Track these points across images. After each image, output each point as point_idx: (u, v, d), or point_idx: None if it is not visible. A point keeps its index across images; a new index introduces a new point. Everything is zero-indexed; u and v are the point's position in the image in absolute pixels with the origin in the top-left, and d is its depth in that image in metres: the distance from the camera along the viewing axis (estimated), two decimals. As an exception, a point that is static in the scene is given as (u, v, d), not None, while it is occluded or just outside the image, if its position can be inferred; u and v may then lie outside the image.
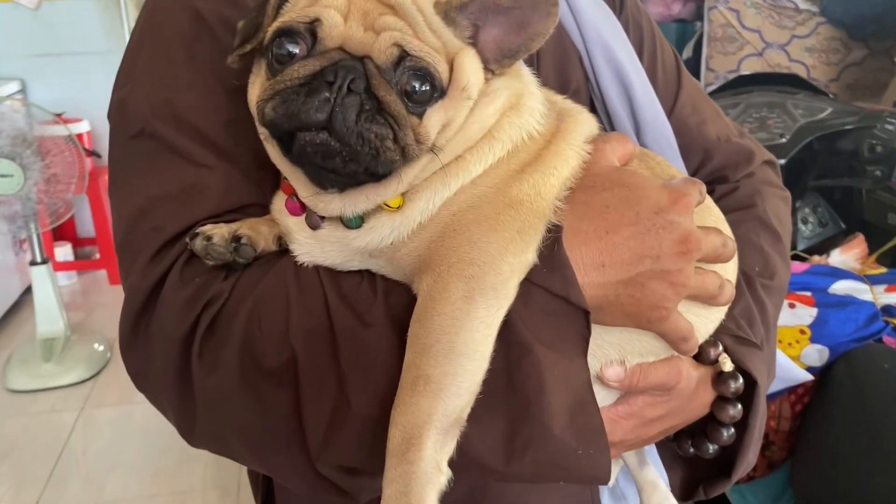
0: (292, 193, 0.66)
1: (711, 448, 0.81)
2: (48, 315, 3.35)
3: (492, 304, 0.59)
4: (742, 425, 0.80)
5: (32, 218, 3.19)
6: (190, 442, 0.69)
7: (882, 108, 1.79)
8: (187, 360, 0.65)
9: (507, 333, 0.61)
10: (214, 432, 0.67)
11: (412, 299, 0.62)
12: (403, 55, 0.59)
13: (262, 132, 0.63)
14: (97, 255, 4.34)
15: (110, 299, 4.25)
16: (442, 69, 0.60)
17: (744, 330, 0.80)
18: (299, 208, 0.66)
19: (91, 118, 3.98)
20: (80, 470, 2.89)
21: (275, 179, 0.69)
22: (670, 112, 0.94)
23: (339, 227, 0.64)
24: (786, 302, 1.58)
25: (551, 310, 0.62)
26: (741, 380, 0.77)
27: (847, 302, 1.57)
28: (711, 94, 2.07)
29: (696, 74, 2.87)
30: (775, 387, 1.11)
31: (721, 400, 0.78)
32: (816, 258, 1.84)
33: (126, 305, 0.68)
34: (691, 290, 0.69)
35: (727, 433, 0.79)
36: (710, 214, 0.78)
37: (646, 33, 0.98)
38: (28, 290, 3.50)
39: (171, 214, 0.68)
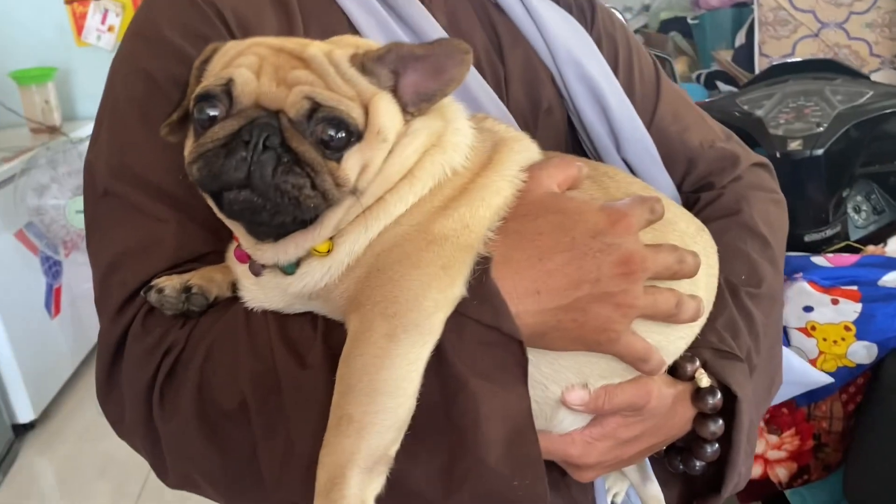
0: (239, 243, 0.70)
1: (698, 464, 0.80)
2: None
3: (416, 341, 0.60)
4: (727, 440, 0.78)
5: (116, 249, 3.39)
6: (166, 483, 0.73)
7: (928, 87, 1.69)
8: (151, 407, 0.69)
9: (443, 367, 0.62)
10: (183, 474, 0.71)
11: None
12: (315, 106, 0.61)
13: (202, 191, 0.67)
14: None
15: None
16: (356, 115, 0.62)
17: (726, 343, 0.79)
18: (246, 256, 0.69)
19: (167, 150, 4.18)
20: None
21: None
22: (650, 123, 0.93)
23: (277, 273, 0.67)
24: (828, 298, 1.52)
25: (485, 341, 0.63)
26: (719, 395, 0.76)
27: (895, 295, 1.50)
28: (745, 85, 2.00)
29: (750, 61, 2.77)
30: (791, 392, 1.08)
31: (701, 416, 0.77)
32: (871, 248, 1.75)
33: (98, 359, 0.73)
34: (641, 310, 0.68)
35: (711, 449, 0.78)
36: (674, 230, 0.77)
37: (620, 46, 0.97)
38: (117, 317, 3.71)
39: (133, 268, 0.72)
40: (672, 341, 0.75)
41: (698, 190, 0.94)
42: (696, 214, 0.89)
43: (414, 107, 0.66)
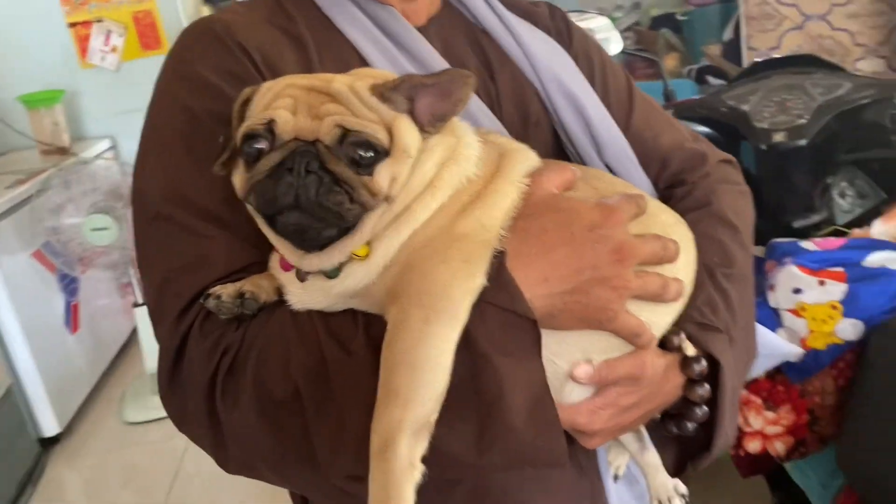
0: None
1: (690, 426, 0.90)
2: (155, 351, 3.64)
3: (446, 324, 0.70)
4: (713, 404, 0.88)
5: (131, 263, 3.50)
6: (226, 470, 0.82)
7: (901, 77, 1.78)
8: (213, 401, 0.78)
9: (470, 347, 0.71)
10: (243, 460, 0.80)
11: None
12: (345, 132, 0.71)
13: (256, 217, 0.77)
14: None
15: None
16: (381, 136, 0.72)
17: (706, 317, 0.89)
18: (289, 265, 0.78)
19: (175, 165, 4.27)
20: (194, 491, 3.15)
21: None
22: (625, 129, 1.04)
23: (321, 277, 0.76)
24: (815, 280, 1.61)
25: (504, 322, 0.72)
26: (704, 362, 0.86)
27: (879, 274, 1.59)
28: (730, 82, 2.10)
29: (738, 55, 2.87)
30: (766, 364, 1.17)
31: (690, 382, 0.87)
32: (857, 231, 1.84)
33: (160, 362, 0.83)
34: (634, 291, 0.79)
35: (700, 411, 0.88)
36: (656, 222, 0.87)
37: (595, 63, 1.08)
38: (135, 330, 3.81)
39: (188, 282, 0.81)
40: (660, 317, 0.85)
41: (671, 186, 1.04)
42: (672, 208, 0.99)
43: (430, 126, 0.76)
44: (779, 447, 1.71)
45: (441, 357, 0.69)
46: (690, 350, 0.86)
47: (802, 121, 1.71)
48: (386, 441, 0.67)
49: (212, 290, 0.79)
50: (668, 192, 1.04)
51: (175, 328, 0.81)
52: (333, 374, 0.74)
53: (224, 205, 0.82)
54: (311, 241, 0.74)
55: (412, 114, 0.75)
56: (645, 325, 0.81)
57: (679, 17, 3.64)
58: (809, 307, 1.60)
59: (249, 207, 0.76)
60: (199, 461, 3.31)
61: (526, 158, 0.84)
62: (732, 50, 2.93)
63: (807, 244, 1.74)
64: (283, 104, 0.72)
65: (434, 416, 0.69)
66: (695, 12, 3.47)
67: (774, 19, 2.75)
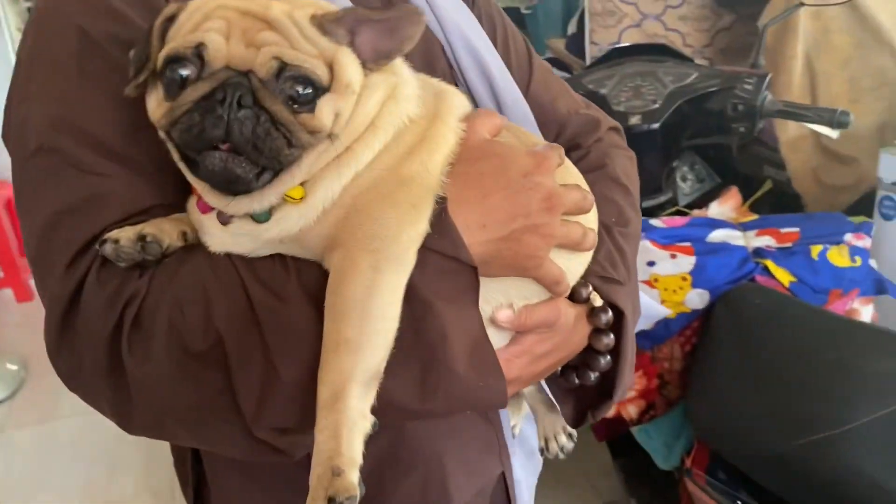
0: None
1: (593, 376, 0.92)
2: (-44, 339, 3.27)
3: (396, 271, 0.67)
4: (616, 353, 0.91)
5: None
6: (128, 430, 0.74)
7: (741, 69, 1.95)
8: (118, 355, 0.70)
9: (410, 294, 0.69)
10: (152, 418, 0.73)
11: (322, 274, 0.69)
12: (283, 66, 0.65)
13: (174, 153, 0.70)
14: (0, 275, 4.21)
15: (19, 318, 4.15)
16: (321, 71, 0.67)
17: (608, 271, 0.92)
18: (209, 207, 0.72)
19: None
20: (4, 497, 2.85)
21: (176, 180, 0.74)
22: (525, 92, 1.05)
23: (248, 221, 0.71)
24: (667, 253, 1.73)
25: (445, 269, 0.71)
26: (610, 312, 0.88)
27: (721, 248, 1.73)
28: (588, 67, 2.20)
29: (581, 48, 3.01)
30: (641, 324, 1.24)
31: (596, 331, 0.90)
32: (697, 212, 2.00)
33: (49, 315, 0.72)
34: (559, 239, 0.80)
35: (604, 360, 0.90)
36: (570, 175, 0.89)
37: (498, 25, 1.09)
38: (-70, 317, 3.39)
39: (80, 224, 0.72)
40: (575, 266, 0.87)
41: (567, 150, 1.07)
42: None
43: (373, 63, 0.72)
44: (632, 411, 1.83)
45: (391, 305, 0.67)
46: (598, 301, 0.89)
47: (655, 105, 1.82)
48: (336, 392, 0.64)
49: (108, 235, 0.70)
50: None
51: (65, 278, 0.71)
52: (264, 321, 0.69)
53: (123, 138, 0.73)
54: (239, 187, 0.68)
55: (351, 47, 0.71)
56: (565, 273, 0.82)
57: (523, 11, 3.77)
58: (662, 278, 1.72)
59: (170, 144, 0.69)
60: (10, 461, 3.01)
61: (460, 103, 0.82)
62: (576, 44, 3.07)
63: (656, 222, 1.86)
64: (214, 27, 0.65)
65: (383, 366, 0.67)
66: (538, 7, 3.61)
67: (616, 16, 2.92)
